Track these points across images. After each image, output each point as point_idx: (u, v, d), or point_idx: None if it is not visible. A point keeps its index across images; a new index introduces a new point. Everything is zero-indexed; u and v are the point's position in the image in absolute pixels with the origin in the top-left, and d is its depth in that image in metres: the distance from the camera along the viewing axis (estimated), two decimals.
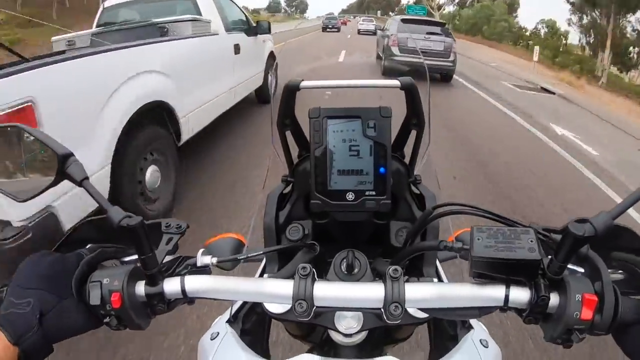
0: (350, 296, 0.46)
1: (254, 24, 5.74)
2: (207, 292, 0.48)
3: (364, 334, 0.57)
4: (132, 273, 0.48)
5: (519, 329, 1.93)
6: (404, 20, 9.85)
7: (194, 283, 0.48)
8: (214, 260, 0.55)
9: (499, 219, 0.49)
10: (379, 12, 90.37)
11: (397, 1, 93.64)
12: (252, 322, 0.70)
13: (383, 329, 0.60)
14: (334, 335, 0.57)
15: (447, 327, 0.69)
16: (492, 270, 0.44)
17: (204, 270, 0.54)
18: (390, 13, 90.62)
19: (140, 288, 0.48)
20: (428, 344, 0.74)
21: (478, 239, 0.44)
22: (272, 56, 6.37)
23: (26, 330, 0.42)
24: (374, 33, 36.44)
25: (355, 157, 0.58)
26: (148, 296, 0.48)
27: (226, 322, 0.67)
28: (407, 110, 0.66)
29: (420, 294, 0.46)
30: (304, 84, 0.63)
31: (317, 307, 0.46)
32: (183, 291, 0.48)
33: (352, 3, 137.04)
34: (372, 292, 0.46)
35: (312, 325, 0.65)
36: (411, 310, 0.53)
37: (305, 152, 0.71)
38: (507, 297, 0.45)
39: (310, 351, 0.64)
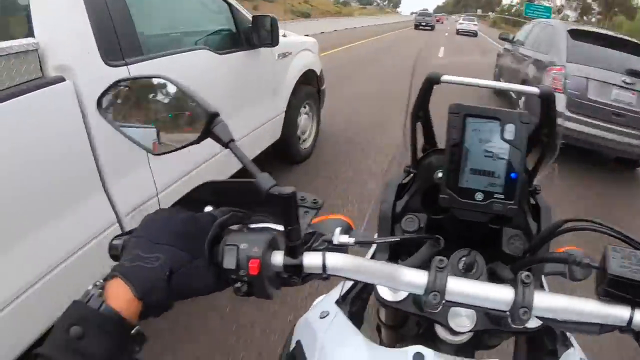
0: (480, 295, 0.46)
1: (249, 24, 2.62)
2: (345, 270, 0.48)
3: (469, 335, 0.57)
4: (272, 241, 0.48)
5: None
6: (575, 34, 4.66)
7: (336, 260, 0.48)
8: (351, 240, 0.53)
9: (632, 242, 0.48)
10: (479, 10, 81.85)
11: (499, 1, 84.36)
12: (357, 307, 0.71)
13: (481, 333, 0.57)
14: (440, 331, 0.57)
15: (546, 341, 0.68)
16: (622, 291, 0.44)
17: (342, 248, 0.53)
18: (490, 13, 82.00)
19: (277, 258, 0.48)
20: (523, 354, 0.74)
21: (613, 258, 0.45)
22: (310, 79, 3.60)
23: (154, 286, 0.42)
24: (475, 34, 31.77)
25: (489, 159, 0.56)
26: (286, 267, 0.48)
27: (335, 302, 0.68)
28: (540, 119, 0.63)
29: (548, 303, 0.46)
30: (444, 77, 0.62)
31: (446, 300, 0.46)
32: (324, 266, 0.48)
33: (448, 0, 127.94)
34: (502, 294, 0.46)
35: (406, 318, 0.65)
36: None
37: (429, 147, 0.70)
38: (631, 318, 0.45)
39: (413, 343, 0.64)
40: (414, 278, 0.47)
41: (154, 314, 0.44)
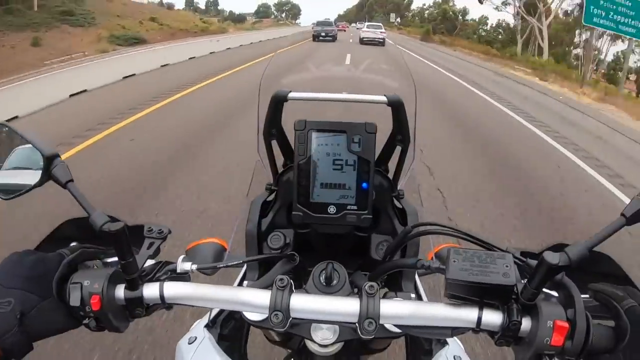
0: (326, 309, 0.47)
1: None
2: (186, 299, 0.49)
3: (339, 345, 0.57)
4: (113, 276, 0.48)
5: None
6: None
7: (173, 289, 0.49)
8: (194, 267, 0.55)
9: (478, 241, 0.50)
10: (392, 14, 73.97)
11: (407, 5, 77.80)
12: (230, 328, 0.71)
13: (359, 340, 0.53)
14: (310, 345, 0.57)
15: (423, 341, 0.71)
16: (466, 293, 0.45)
17: (184, 276, 0.55)
18: (398, 19, 76.08)
19: (120, 292, 0.48)
20: (404, 356, 0.75)
21: (454, 261, 0.45)
22: None
23: (7, 330, 0.44)
24: (382, 43, 24.06)
25: (338, 171, 0.58)
26: (127, 300, 0.49)
27: (204, 326, 0.69)
28: (393, 127, 0.67)
29: (395, 311, 0.46)
30: (292, 95, 0.63)
31: (293, 318, 0.46)
32: (161, 297, 0.49)
33: (349, 8, 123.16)
34: (347, 307, 0.46)
35: (290, 333, 0.60)
36: (387, 325, 0.51)
37: (290, 162, 0.70)
38: (479, 319, 0.45)
39: (287, 359, 0.69)
40: (257, 299, 0.47)
41: (14, 357, 0.44)
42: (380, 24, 34.06)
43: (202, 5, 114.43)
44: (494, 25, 43.14)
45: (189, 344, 0.65)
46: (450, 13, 52.91)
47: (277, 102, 0.64)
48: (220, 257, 0.68)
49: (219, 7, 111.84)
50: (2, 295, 0.44)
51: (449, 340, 0.67)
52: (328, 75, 0.98)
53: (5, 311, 0.43)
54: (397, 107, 0.62)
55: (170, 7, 33.63)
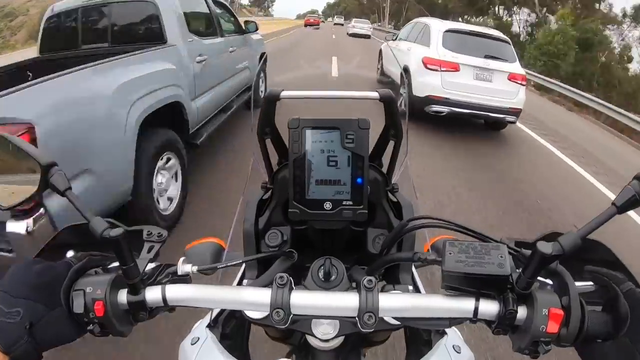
0: (326, 305, 0.48)
1: None
2: (188, 300, 0.50)
3: (340, 339, 0.59)
4: (115, 281, 0.49)
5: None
6: None
7: (175, 292, 0.50)
8: (194, 268, 0.56)
9: (473, 233, 0.51)
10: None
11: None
12: (231, 327, 0.72)
13: (359, 333, 0.58)
14: (312, 340, 0.59)
15: (422, 332, 0.72)
16: (462, 284, 0.46)
17: (185, 278, 0.56)
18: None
19: (123, 296, 0.49)
20: (404, 348, 0.77)
21: (450, 253, 0.46)
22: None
23: (16, 340, 0.44)
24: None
25: (333, 168, 0.59)
26: (130, 304, 0.50)
27: (206, 326, 0.70)
28: (386, 121, 0.68)
29: (394, 304, 0.48)
30: (284, 93, 0.64)
31: (294, 314, 0.48)
32: (164, 300, 0.50)
33: None
34: (347, 302, 0.48)
35: (291, 329, 0.63)
36: (386, 318, 0.53)
37: (284, 160, 0.72)
38: (476, 309, 0.47)
39: (288, 355, 0.71)
40: (258, 298, 0.48)
41: None
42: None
43: None
44: None
45: (192, 344, 0.66)
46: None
47: (270, 101, 0.65)
48: (218, 257, 0.70)
49: None
50: (10, 305, 0.45)
51: (447, 330, 0.68)
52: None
53: (15, 322, 0.44)
54: (389, 102, 0.64)
55: None
